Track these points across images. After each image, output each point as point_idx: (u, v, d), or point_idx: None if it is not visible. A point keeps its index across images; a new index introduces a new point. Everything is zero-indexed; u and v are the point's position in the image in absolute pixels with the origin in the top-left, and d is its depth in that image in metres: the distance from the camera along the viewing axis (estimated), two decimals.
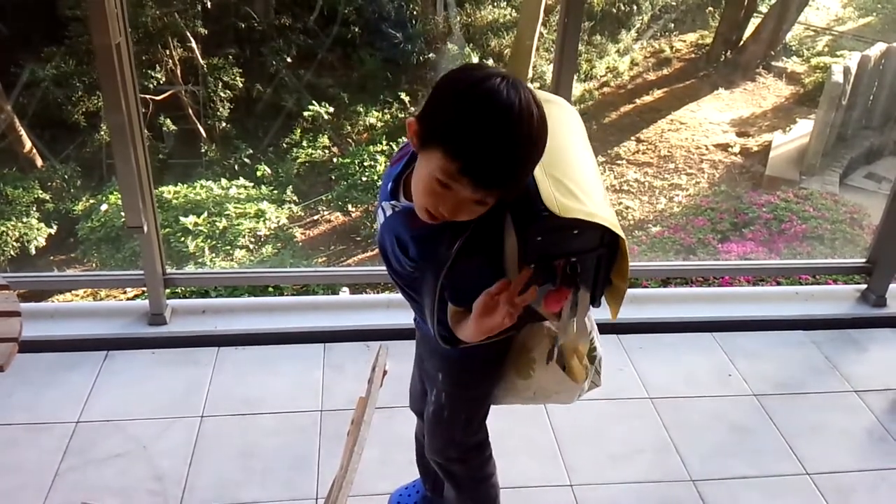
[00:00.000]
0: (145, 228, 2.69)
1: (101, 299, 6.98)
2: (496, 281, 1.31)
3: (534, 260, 1.37)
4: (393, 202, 1.49)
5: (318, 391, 2.70)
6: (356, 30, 11.41)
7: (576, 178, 1.40)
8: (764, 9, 14.01)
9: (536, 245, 1.36)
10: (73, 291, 7.63)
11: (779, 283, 4.29)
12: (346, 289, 5.71)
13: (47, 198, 9.40)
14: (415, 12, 11.59)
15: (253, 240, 8.67)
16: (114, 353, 2.82)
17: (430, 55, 11.55)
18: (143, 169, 2.64)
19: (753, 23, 13.84)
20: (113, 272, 5.71)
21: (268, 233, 8.86)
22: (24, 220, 8.90)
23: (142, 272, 2.86)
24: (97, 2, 2.29)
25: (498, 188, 1.25)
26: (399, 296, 3.09)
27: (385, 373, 1.31)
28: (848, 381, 2.92)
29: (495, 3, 12.52)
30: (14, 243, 8.73)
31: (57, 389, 2.64)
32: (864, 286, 3.38)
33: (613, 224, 1.38)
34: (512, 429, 2.54)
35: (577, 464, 2.47)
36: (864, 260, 3.43)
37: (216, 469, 2.37)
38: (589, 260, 1.45)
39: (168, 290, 2.98)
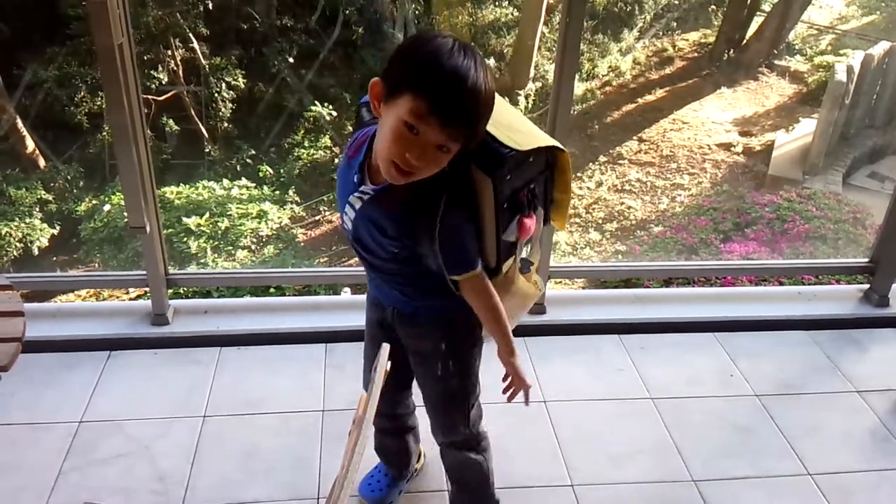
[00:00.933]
0: (147, 229, 2.70)
1: (104, 299, 7.00)
2: (477, 233, 1.58)
3: (508, 197, 1.58)
4: (361, 190, 1.57)
5: (319, 391, 2.70)
6: (358, 30, 11.42)
7: (513, 122, 1.60)
8: (767, 7, 13.98)
9: (507, 182, 1.56)
10: (76, 292, 7.65)
11: (781, 284, 4.28)
12: (347, 289, 5.71)
13: (50, 198, 9.42)
14: (417, 11, 11.61)
15: (255, 240, 8.68)
16: (116, 353, 2.82)
17: None
18: (145, 169, 2.64)
19: (756, 21, 13.81)
20: (115, 272, 5.72)
21: (270, 233, 8.87)
22: (27, 220, 8.92)
23: (144, 273, 2.86)
24: (99, 2, 2.30)
25: (462, 126, 1.39)
26: None
27: (386, 372, 1.32)
28: (850, 382, 2.91)
29: (497, 3, 12.51)
30: (17, 244, 8.74)
31: (59, 389, 2.64)
32: (867, 286, 3.37)
33: (556, 141, 1.65)
34: (512, 429, 2.54)
35: (578, 464, 2.46)
36: (866, 260, 3.42)
37: (218, 469, 2.37)
38: (539, 183, 1.67)
39: (170, 291, 2.98)
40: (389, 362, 1.35)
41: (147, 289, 2.95)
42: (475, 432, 2.04)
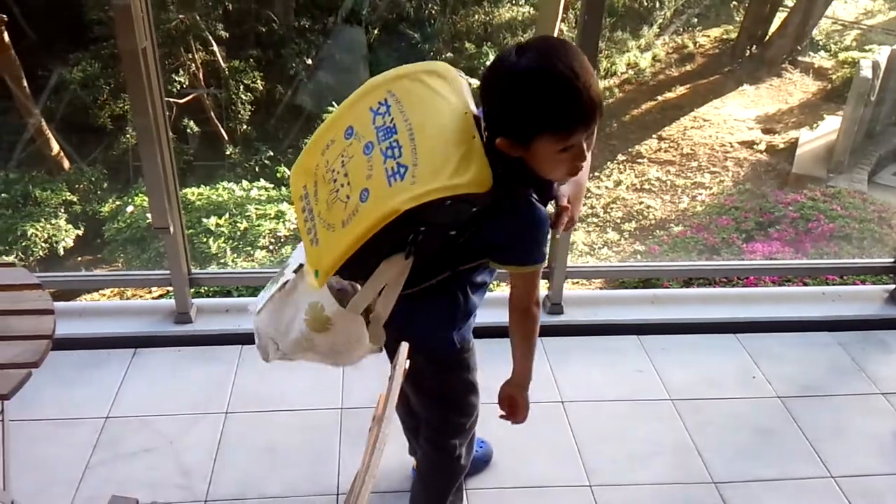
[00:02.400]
0: (171, 229, 2.73)
1: (128, 298, 7.08)
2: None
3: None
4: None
5: (338, 389, 2.72)
6: (375, 31, 11.44)
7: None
8: (790, 2, 13.78)
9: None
10: (100, 291, 7.74)
11: (805, 284, 4.25)
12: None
13: (75, 199, 9.54)
14: (433, 11, 11.60)
15: (273, 240, 8.73)
16: (141, 350, 2.87)
17: (448, 54, 11.55)
18: (168, 171, 2.68)
19: (779, 17, 13.62)
20: (140, 272, 5.79)
21: (287, 233, 8.92)
22: (53, 221, 9.04)
23: (168, 272, 2.90)
24: (123, 7, 2.33)
25: (595, 113, 1.43)
26: None
27: (406, 370, 1.33)
28: (875, 383, 2.88)
29: (514, 2, 12.47)
30: (43, 244, 8.86)
31: (86, 386, 2.69)
32: (893, 286, 3.33)
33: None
34: (530, 429, 2.53)
35: (597, 465, 2.46)
36: (892, 260, 3.39)
37: (240, 464, 2.40)
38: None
39: (192, 290, 3.02)
40: (408, 361, 1.36)
41: (170, 288, 2.99)
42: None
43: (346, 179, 1.49)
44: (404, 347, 1.33)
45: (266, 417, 2.59)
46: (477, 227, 1.53)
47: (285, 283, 1.72)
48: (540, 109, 1.40)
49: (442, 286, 1.67)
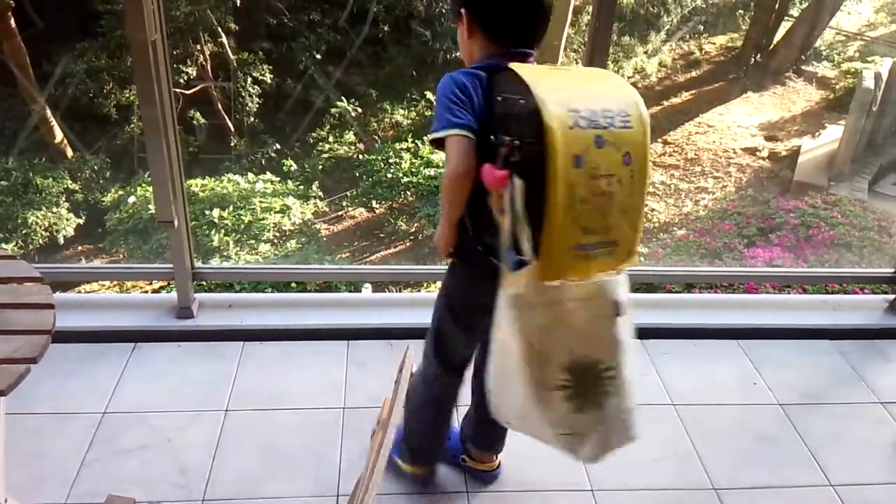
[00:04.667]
0: (176, 223, 2.72)
1: (127, 290, 7.07)
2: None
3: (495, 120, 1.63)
4: None
5: (340, 388, 2.71)
6: (385, 28, 11.43)
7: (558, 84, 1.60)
8: (795, 13, 13.84)
9: (498, 105, 1.63)
10: (100, 281, 7.74)
11: (805, 291, 4.25)
12: (368, 285, 5.74)
13: (77, 188, 9.52)
14: (443, 10, 11.60)
15: (277, 234, 8.72)
16: (141, 345, 2.85)
17: (458, 54, 11.54)
18: (175, 164, 2.66)
19: (784, 26, 13.68)
20: (142, 265, 5.78)
21: (292, 228, 8.91)
22: (54, 210, 9.02)
23: (170, 265, 2.88)
24: (134, 0, 2.32)
25: None
26: (422, 294, 3.10)
27: (412, 375, 1.32)
28: (874, 393, 2.88)
29: None
30: (43, 233, 8.85)
31: (84, 380, 2.67)
32: (893, 297, 3.33)
33: (552, 104, 1.50)
34: None
35: (598, 469, 2.45)
36: (891, 270, 3.38)
37: (239, 463, 2.38)
38: (526, 153, 1.55)
39: (194, 283, 3.00)
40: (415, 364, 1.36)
41: (171, 280, 2.97)
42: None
43: (605, 178, 1.54)
44: (410, 352, 1.32)
45: (267, 416, 2.58)
46: None
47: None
48: None
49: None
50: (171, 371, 2.75)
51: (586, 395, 1.64)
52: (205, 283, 4.12)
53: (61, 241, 9.04)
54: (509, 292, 1.59)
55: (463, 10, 1.78)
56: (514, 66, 1.60)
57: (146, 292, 6.89)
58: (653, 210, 10.51)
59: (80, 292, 7.66)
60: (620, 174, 1.53)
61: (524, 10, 1.75)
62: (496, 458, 2.39)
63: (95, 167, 9.85)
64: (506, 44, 1.77)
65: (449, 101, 1.66)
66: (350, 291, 6.08)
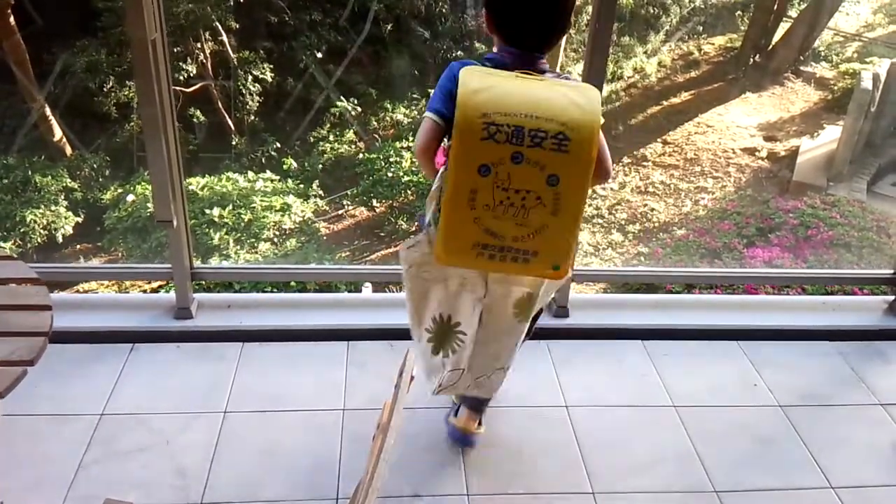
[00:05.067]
0: (175, 223, 2.71)
1: (126, 289, 7.05)
2: None
3: None
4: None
5: (340, 390, 2.70)
6: (387, 27, 11.43)
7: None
8: (794, 14, 13.86)
9: None
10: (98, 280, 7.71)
11: (804, 291, 4.25)
12: (368, 284, 5.74)
13: (76, 186, 9.50)
14: (444, 10, 11.60)
15: (277, 233, 8.71)
16: (139, 346, 2.83)
17: (458, 53, 11.55)
18: (174, 163, 2.65)
19: (783, 27, 13.70)
20: (141, 265, 5.76)
21: (293, 226, 8.91)
22: (53, 208, 9.00)
23: (169, 265, 2.87)
24: None
25: None
26: None
27: (412, 378, 1.31)
28: (874, 394, 2.88)
29: None
30: (41, 231, 8.82)
31: (82, 381, 2.66)
32: (892, 297, 3.32)
33: (467, 110, 1.67)
34: (534, 433, 2.53)
35: (599, 471, 2.45)
36: (891, 271, 3.38)
37: (238, 466, 2.37)
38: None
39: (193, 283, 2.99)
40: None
41: (169, 280, 2.95)
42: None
43: (521, 193, 1.68)
44: (411, 355, 1.31)
45: (266, 417, 2.56)
46: None
47: (480, 318, 2.01)
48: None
49: None
50: (170, 372, 2.74)
51: (441, 342, 2.08)
52: (204, 282, 4.13)
53: (60, 239, 9.02)
54: (406, 245, 1.96)
55: (485, 8, 1.93)
56: (473, 69, 1.75)
57: (145, 291, 6.87)
58: (652, 210, 10.52)
59: (78, 291, 7.65)
60: (542, 193, 1.67)
61: (533, 15, 1.84)
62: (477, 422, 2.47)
63: (95, 165, 9.83)
64: (514, 44, 1.88)
65: (438, 86, 1.85)
66: (350, 291, 6.07)
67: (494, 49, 1.97)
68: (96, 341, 2.81)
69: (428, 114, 1.85)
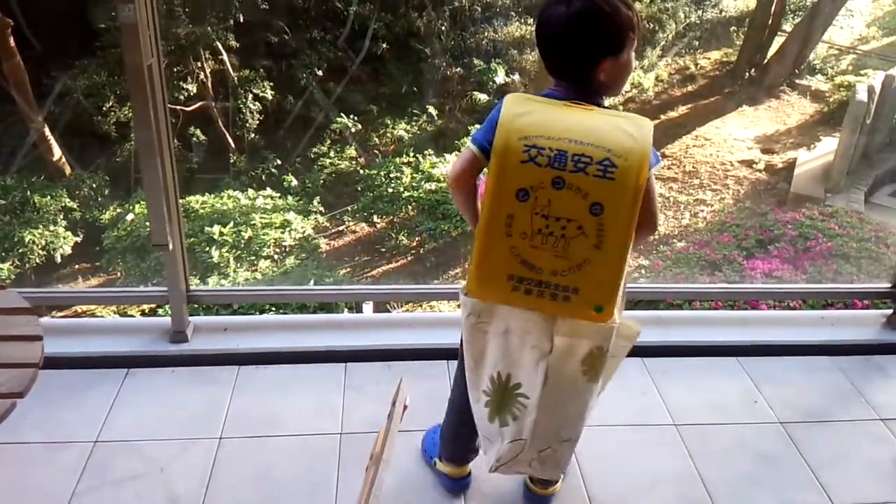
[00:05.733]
0: (171, 246, 2.70)
1: (124, 309, 7.03)
2: None
3: None
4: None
5: (337, 413, 2.68)
6: (385, 46, 11.48)
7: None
8: (788, 27, 13.96)
9: None
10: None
11: (804, 302, 4.23)
12: (370, 302, 5.72)
13: (75, 206, 9.50)
14: (442, 27, 11.66)
15: (278, 250, 8.70)
16: (134, 370, 2.81)
17: (457, 70, 11.61)
18: (170, 187, 2.65)
19: (777, 41, 13.79)
20: (135, 289, 5.74)
21: (293, 243, 8.90)
22: (52, 228, 9.00)
23: (165, 290, 2.86)
24: (130, 24, 2.31)
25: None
26: (420, 315, 3.10)
27: (406, 408, 1.30)
28: (874, 409, 2.86)
29: (522, 20, 12.56)
30: (40, 251, 8.82)
31: (76, 408, 2.64)
32: (890, 311, 3.31)
33: (507, 134, 1.60)
34: None
35: (599, 491, 2.43)
36: (889, 285, 3.36)
37: (233, 493, 2.34)
38: None
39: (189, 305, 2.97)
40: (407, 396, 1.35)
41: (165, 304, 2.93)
42: None
43: (561, 221, 1.57)
44: (404, 384, 1.30)
45: (261, 443, 2.54)
46: None
47: (546, 378, 1.74)
48: (624, 24, 1.70)
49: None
50: (165, 397, 2.71)
51: (499, 407, 1.80)
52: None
53: (59, 259, 9.01)
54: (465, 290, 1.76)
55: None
56: (520, 95, 1.67)
57: (144, 311, 6.85)
58: None
59: (76, 312, 7.64)
60: (584, 222, 1.56)
61: (558, 51, 1.77)
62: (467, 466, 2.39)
63: (94, 185, 9.84)
64: (558, 76, 1.81)
65: (487, 119, 1.75)
66: (351, 309, 6.06)
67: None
68: (91, 366, 2.79)
69: (470, 144, 1.76)
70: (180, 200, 2.79)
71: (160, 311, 6.13)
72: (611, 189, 1.53)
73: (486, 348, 1.78)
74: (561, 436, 1.85)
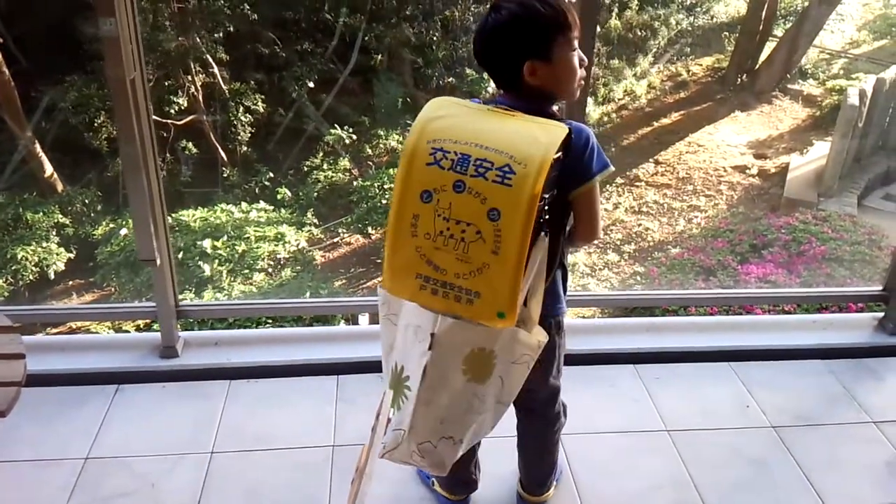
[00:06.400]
0: (158, 261, 2.69)
1: (119, 324, 7.02)
2: None
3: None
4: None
5: (329, 426, 2.67)
6: (378, 57, 11.50)
7: None
8: (779, 33, 14.01)
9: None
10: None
11: (798, 305, 4.23)
12: (366, 314, 5.69)
13: (67, 222, 9.48)
14: (434, 38, 11.69)
15: (272, 263, 8.69)
16: (124, 386, 2.80)
17: (450, 80, 11.64)
18: (156, 201, 2.64)
19: (769, 46, 13.84)
20: (125, 305, 5.74)
21: (287, 256, 8.88)
22: (44, 244, 8.97)
23: (153, 305, 2.85)
24: (112, 38, 2.31)
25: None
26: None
27: (389, 421, 1.29)
28: (867, 412, 2.86)
29: None
30: (33, 268, 8.79)
31: (66, 424, 2.62)
32: (882, 314, 3.31)
33: (418, 136, 1.63)
34: None
35: (592, 498, 2.42)
36: (880, 288, 3.37)
37: None
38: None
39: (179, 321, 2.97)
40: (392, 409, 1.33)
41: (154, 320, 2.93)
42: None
43: (461, 224, 1.57)
44: (387, 397, 1.29)
45: (253, 457, 2.53)
46: (561, 171, 1.67)
47: (424, 372, 1.70)
48: (545, 25, 1.68)
49: (556, 261, 1.85)
50: (155, 413, 2.70)
51: (395, 396, 1.76)
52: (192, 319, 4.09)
53: (52, 276, 8.98)
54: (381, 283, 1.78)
55: None
56: (447, 98, 1.69)
57: (139, 326, 6.83)
58: (647, 229, 10.57)
59: (71, 328, 7.62)
60: (482, 227, 1.56)
61: (483, 63, 1.79)
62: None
63: (86, 200, 9.81)
64: (497, 86, 1.83)
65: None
66: (347, 321, 6.04)
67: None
68: (81, 383, 2.78)
69: None
70: (173, 214, 2.78)
71: (155, 325, 6.12)
72: (508, 195, 1.53)
73: (394, 340, 1.82)
74: (440, 432, 1.79)
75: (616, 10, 13.15)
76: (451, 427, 1.78)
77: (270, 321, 5.22)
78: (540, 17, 1.68)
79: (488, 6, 1.75)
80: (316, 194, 10.72)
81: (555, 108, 1.83)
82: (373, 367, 2.91)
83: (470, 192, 1.55)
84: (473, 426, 1.80)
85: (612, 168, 1.78)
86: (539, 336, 1.77)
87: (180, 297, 2.90)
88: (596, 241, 1.84)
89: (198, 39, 10.33)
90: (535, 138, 1.57)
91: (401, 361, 1.78)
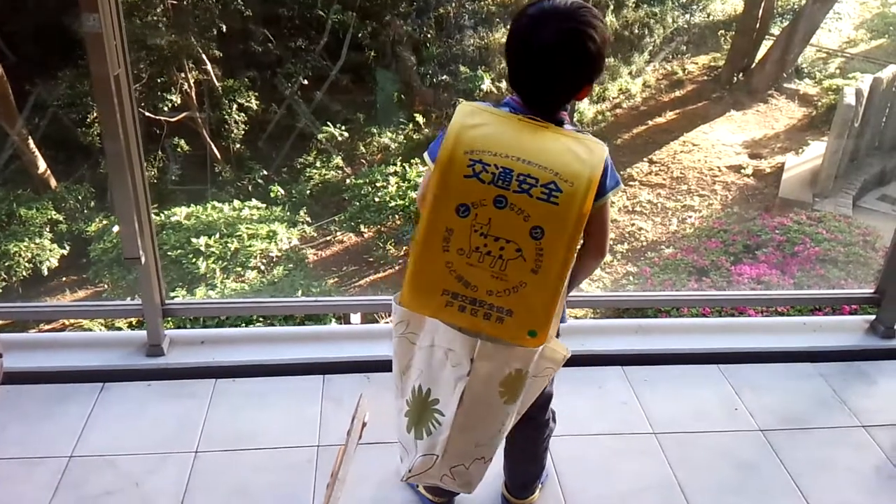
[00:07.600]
0: (143, 259, 2.67)
1: (112, 322, 7.00)
2: None
3: None
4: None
5: (315, 426, 2.66)
6: (371, 53, 11.49)
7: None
8: (776, 31, 14.00)
9: None
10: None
11: (792, 307, 4.22)
12: (358, 313, 5.69)
13: (61, 218, 9.46)
14: (428, 35, 11.68)
15: (265, 261, 8.68)
16: (110, 385, 2.78)
17: (444, 77, 11.63)
18: (141, 199, 2.62)
19: (765, 45, 13.83)
20: (110, 303, 5.69)
21: (280, 254, 8.87)
22: (37, 241, 8.96)
23: (139, 303, 2.84)
24: (95, 35, 2.29)
25: None
26: None
27: (364, 425, 1.28)
28: (856, 416, 2.85)
29: (508, 28, 12.60)
30: (26, 264, 8.77)
31: (51, 423, 2.61)
32: (873, 317, 3.31)
33: (453, 147, 1.55)
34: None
35: (578, 501, 2.42)
36: (872, 290, 3.36)
37: None
38: None
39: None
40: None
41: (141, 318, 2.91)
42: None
43: (500, 242, 1.52)
44: (364, 401, 1.28)
45: (238, 456, 2.51)
46: None
47: (461, 398, 1.68)
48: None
49: (576, 278, 1.80)
50: (141, 412, 2.69)
51: (417, 419, 1.76)
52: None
53: (45, 272, 8.96)
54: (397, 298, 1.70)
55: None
56: (473, 104, 1.61)
57: (131, 323, 6.81)
58: (640, 229, 10.55)
59: (63, 324, 7.60)
60: (523, 245, 1.52)
61: (528, 74, 1.66)
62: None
63: (79, 197, 9.80)
64: (519, 92, 1.72)
65: (442, 130, 1.67)
66: (339, 319, 6.03)
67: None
68: (66, 381, 2.76)
69: (428, 161, 1.68)
70: (165, 212, 2.77)
71: (137, 324, 6.10)
72: (553, 214, 1.49)
73: (412, 359, 1.75)
74: (474, 454, 1.81)
75: (612, 6, 13.12)
76: (484, 449, 1.77)
77: (262, 320, 5.21)
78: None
79: (545, 15, 1.62)
80: (309, 192, 10.72)
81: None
82: (359, 366, 2.91)
83: (512, 209, 1.50)
84: (500, 442, 1.81)
85: (623, 186, 1.78)
86: (562, 350, 1.75)
87: (173, 294, 2.89)
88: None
89: (191, 38, 10.31)
90: (577, 155, 1.53)
91: (426, 385, 1.74)
